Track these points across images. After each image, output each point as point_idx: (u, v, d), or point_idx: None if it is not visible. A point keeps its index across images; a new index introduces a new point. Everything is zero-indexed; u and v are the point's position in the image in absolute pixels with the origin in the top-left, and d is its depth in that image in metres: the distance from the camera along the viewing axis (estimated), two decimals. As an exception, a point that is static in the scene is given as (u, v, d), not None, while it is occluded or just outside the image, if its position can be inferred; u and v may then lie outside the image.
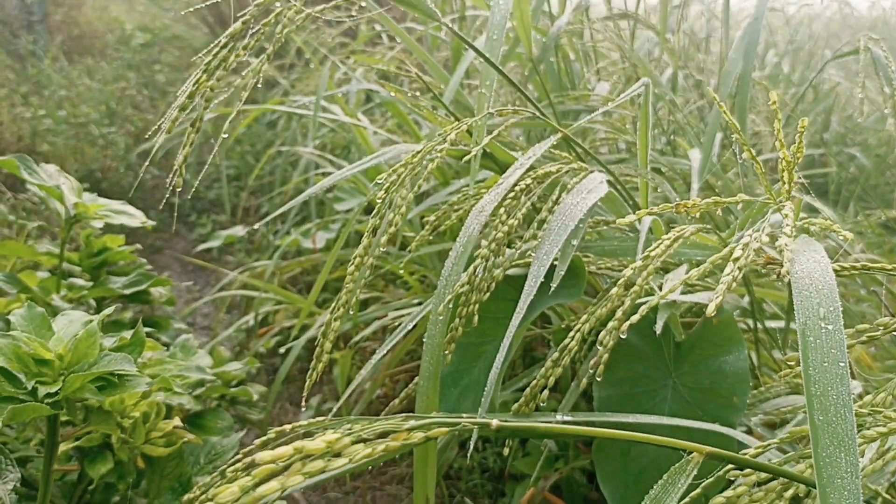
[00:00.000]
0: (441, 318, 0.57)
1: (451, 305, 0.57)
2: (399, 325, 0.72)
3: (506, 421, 0.40)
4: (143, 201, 2.75)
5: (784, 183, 0.50)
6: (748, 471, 0.41)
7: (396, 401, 0.83)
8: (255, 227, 0.79)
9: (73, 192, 0.98)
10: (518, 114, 0.70)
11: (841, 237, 0.44)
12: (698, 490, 0.41)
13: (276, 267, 1.73)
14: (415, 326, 0.72)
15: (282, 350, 1.31)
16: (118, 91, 3.27)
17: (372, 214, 0.60)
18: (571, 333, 0.58)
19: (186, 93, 0.56)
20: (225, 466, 0.38)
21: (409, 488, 1.30)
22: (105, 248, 1.06)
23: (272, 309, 1.72)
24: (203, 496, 0.38)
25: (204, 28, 4.20)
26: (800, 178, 0.52)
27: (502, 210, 0.63)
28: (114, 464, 0.70)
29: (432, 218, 0.73)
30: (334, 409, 0.83)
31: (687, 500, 0.40)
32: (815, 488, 0.38)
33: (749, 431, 0.74)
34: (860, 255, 1.25)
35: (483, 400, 0.53)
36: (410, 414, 0.42)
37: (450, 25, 0.74)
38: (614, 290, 0.53)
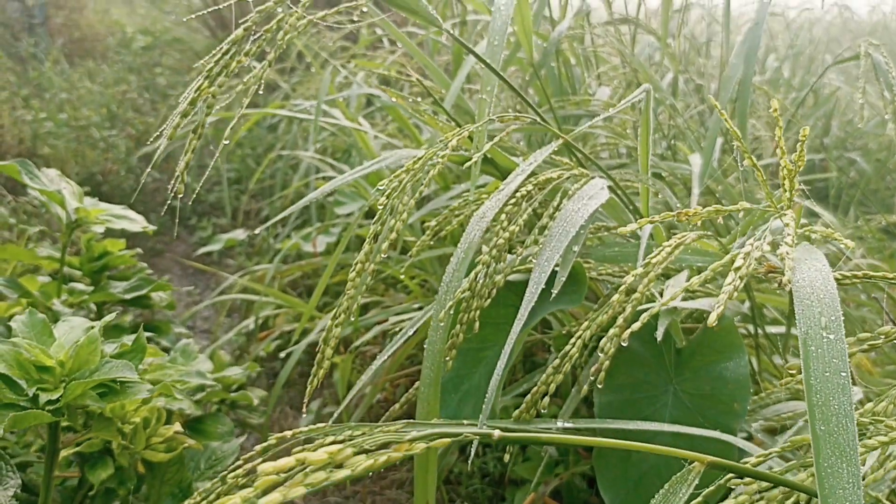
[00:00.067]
0: (442, 324, 0.57)
1: (452, 311, 0.57)
2: (400, 329, 0.72)
3: (507, 431, 0.40)
4: (143, 204, 2.75)
5: (785, 190, 0.50)
6: (749, 479, 0.41)
7: (397, 405, 0.83)
8: (256, 231, 0.79)
9: (74, 196, 0.98)
10: (519, 120, 0.70)
11: (843, 245, 0.44)
12: (699, 499, 0.41)
13: (277, 271, 1.73)
14: (415, 331, 0.72)
15: (282, 354, 1.31)
16: (119, 94, 3.28)
17: (374, 220, 0.60)
18: (573, 340, 0.58)
19: (188, 99, 0.56)
20: (225, 472, 0.38)
21: (409, 493, 1.30)
22: (106, 253, 1.07)
23: (272, 313, 1.72)
24: (203, 502, 0.38)
25: (205, 31, 4.21)
26: (800, 183, 0.52)
27: (503, 216, 0.63)
28: (114, 469, 0.69)
29: (433, 223, 0.73)
30: (335, 414, 0.82)
31: (688, 508, 0.40)
32: (816, 497, 0.38)
33: (749, 437, 0.74)
34: (861, 260, 1.25)
35: (484, 406, 0.53)
36: (412, 421, 0.42)
37: (450, 31, 0.75)
38: (615, 296, 0.53)
